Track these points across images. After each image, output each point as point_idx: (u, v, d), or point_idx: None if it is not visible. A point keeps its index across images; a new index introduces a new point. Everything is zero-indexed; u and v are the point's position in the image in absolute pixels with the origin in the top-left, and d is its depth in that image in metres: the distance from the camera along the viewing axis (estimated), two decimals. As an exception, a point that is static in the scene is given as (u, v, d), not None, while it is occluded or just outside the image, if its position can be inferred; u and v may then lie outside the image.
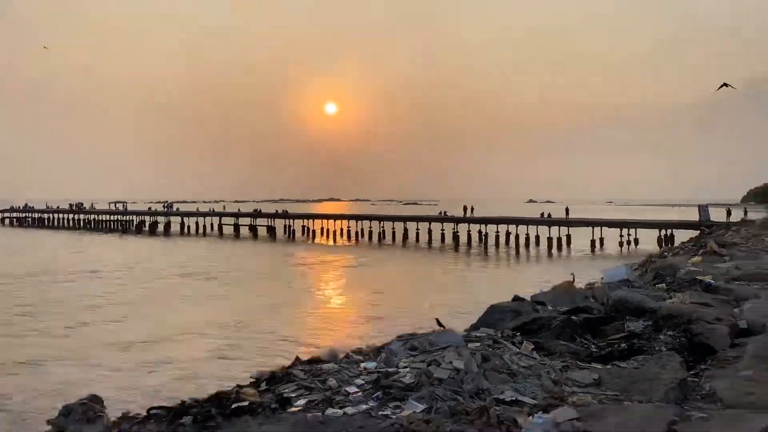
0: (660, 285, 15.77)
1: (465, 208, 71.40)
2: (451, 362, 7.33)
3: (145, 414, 7.26)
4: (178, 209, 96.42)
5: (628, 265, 23.08)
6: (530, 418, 6.30)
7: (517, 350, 8.66)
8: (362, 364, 8.28)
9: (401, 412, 6.51)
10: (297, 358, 9.13)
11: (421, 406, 6.59)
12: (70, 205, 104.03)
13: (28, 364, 17.29)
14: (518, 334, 10.05)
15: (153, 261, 47.89)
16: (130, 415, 7.62)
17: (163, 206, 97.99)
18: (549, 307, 13.68)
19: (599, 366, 8.62)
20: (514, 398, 6.93)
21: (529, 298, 14.60)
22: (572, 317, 11.13)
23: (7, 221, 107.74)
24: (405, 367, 7.68)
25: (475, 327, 11.45)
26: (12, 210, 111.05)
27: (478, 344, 8.62)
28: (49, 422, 8.70)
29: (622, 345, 9.83)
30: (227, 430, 6.40)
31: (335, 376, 7.77)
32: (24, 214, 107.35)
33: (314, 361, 8.82)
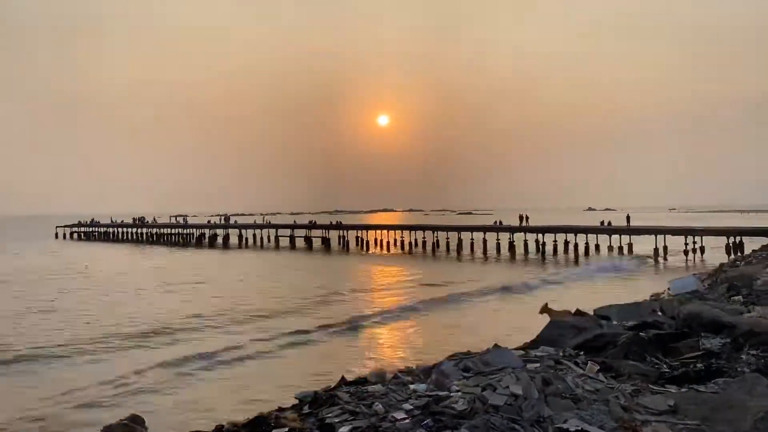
0: (736, 297, 14.60)
1: (521, 217, 69.83)
2: (508, 387, 6.70)
3: (184, 438, 6.94)
4: (236, 222, 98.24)
5: (696, 275, 21.73)
6: (599, 452, 5.63)
7: (582, 372, 7.93)
8: (411, 386, 7.74)
9: (453, 443, 5.95)
10: (342, 378, 8.68)
11: (474, 437, 6.00)
12: (134, 219, 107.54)
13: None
14: (581, 353, 9.28)
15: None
16: (170, 438, 7.34)
17: (220, 219, 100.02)
18: (614, 322, 12.80)
19: (674, 390, 7.79)
20: (579, 428, 6.24)
21: (592, 312, 13.76)
22: (640, 333, 10.27)
23: (75, 235, 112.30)
24: (457, 390, 7.10)
25: (534, 344, 10.72)
26: (80, 225, 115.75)
27: (537, 365, 7.94)
28: (91, 442, 8.51)
29: (698, 365, 8.94)
30: (265, 460, 5.99)
31: (382, 400, 7.25)
32: (90, 229, 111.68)
33: (360, 381, 8.34)
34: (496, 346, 9.80)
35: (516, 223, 69.73)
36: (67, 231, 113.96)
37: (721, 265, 26.17)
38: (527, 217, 69.40)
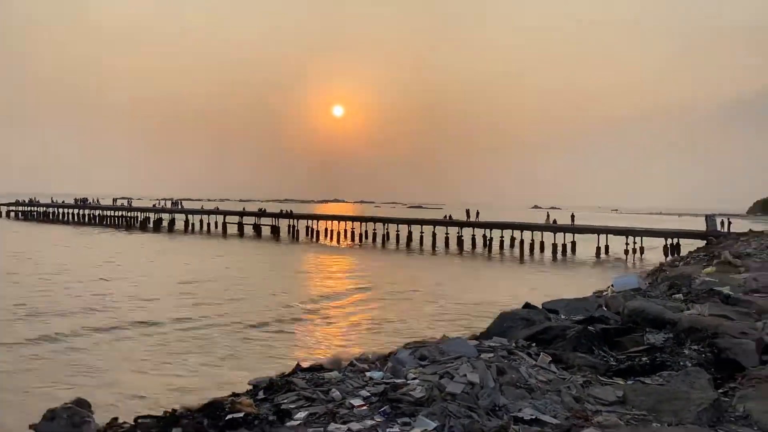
0: (676, 296, 15.18)
1: (468, 212, 70.82)
2: (465, 375, 6.78)
3: (132, 423, 6.73)
4: (182, 207, 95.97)
5: (638, 274, 22.53)
6: (552, 440, 5.76)
7: (534, 362, 8.10)
8: (368, 374, 7.73)
9: (411, 430, 5.97)
10: (298, 365, 8.60)
11: (433, 424, 6.03)
12: (75, 200, 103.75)
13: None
14: (533, 344, 9.48)
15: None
16: (118, 422, 7.09)
17: (171, 203, 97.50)
18: (562, 316, 13.12)
19: (622, 382, 8.05)
20: (533, 416, 6.37)
21: (540, 306, 14.06)
22: (589, 327, 10.57)
23: (12, 215, 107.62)
24: (414, 378, 7.13)
25: (486, 335, 10.89)
26: (17, 204, 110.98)
27: (491, 355, 8.05)
28: (31, 427, 8.18)
29: (644, 359, 9.26)
30: (220, 445, 5.87)
31: (339, 386, 7.21)
32: (29, 208, 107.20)
33: (316, 368, 8.28)
34: (444, 336, 9.94)
35: (464, 218, 70.66)
36: (3, 209, 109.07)
37: (661, 264, 27.22)
38: (477, 213, 70.40)
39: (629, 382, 8.04)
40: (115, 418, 7.49)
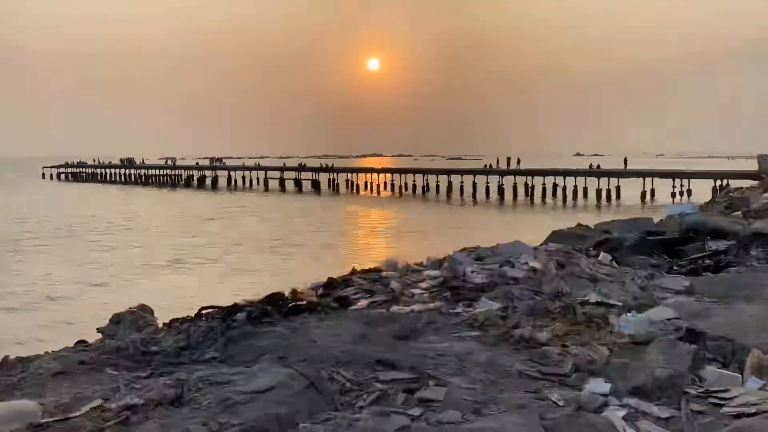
0: (735, 213, 14.68)
1: (508, 160, 69.49)
2: (526, 263, 6.66)
3: (195, 314, 6.86)
4: (223, 164, 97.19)
5: (690, 203, 21.90)
6: (623, 316, 5.61)
7: (595, 260, 7.92)
8: (425, 272, 7.69)
9: (474, 310, 5.91)
10: (353, 269, 8.61)
11: (496, 305, 5.96)
12: (121, 160, 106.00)
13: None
14: (592, 248, 9.29)
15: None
16: (180, 317, 7.24)
17: (211, 161, 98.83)
18: (615, 234, 12.83)
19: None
20: (600, 300, 6.23)
21: (592, 227, 13.76)
22: (647, 237, 10.30)
23: (62, 176, 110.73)
24: (473, 271, 7.05)
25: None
26: (67, 165, 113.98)
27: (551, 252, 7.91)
28: (99, 330, 8.43)
29: (707, 261, 8.99)
30: (284, 325, 5.91)
31: (398, 280, 7.20)
32: (78, 170, 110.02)
33: (373, 270, 8.28)
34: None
35: (504, 166, 69.51)
36: (54, 171, 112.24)
37: (713, 197, 26.34)
38: (519, 161, 69.11)
39: (697, 278, 7.79)
40: (175, 318, 7.67)
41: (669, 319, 5.48)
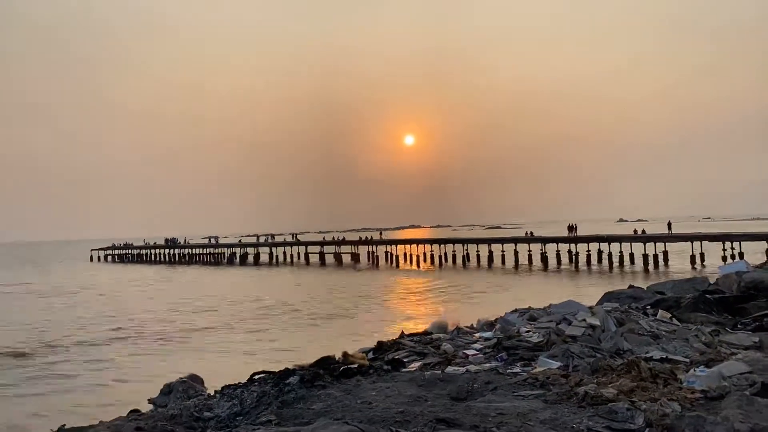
0: (796, 271, 14.09)
1: (570, 228, 68.74)
2: (584, 320, 6.45)
3: (247, 380, 6.80)
4: (267, 240, 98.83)
5: (745, 261, 21.15)
6: (691, 371, 5.33)
7: (654, 318, 7.63)
8: (477, 334, 7.51)
9: (533, 370, 5.70)
10: (402, 332, 8.49)
11: (556, 363, 5.74)
12: (165, 240, 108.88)
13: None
14: (648, 306, 8.97)
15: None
16: (232, 384, 7.19)
17: (257, 239, 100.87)
18: (670, 294, 12.41)
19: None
20: (664, 356, 5.95)
21: (644, 288, 13.37)
22: (706, 294, 9.91)
23: (110, 258, 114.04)
24: (528, 331, 6.86)
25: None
26: (114, 248, 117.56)
27: (607, 310, 7.66)
28: (150, 401, 8.43)
29: (773, 319, 8.55)
30: (338, 387, 5.80)
31: (450, 342, 7.05)
32: (124, 251, 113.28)
33: (422, 333, 8.14)
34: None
35: (545, 233, 68.73)
36: (102, 254, 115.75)
37: (769, 258, 25.37)
38: (575, 227, 68.50)
39: (763, 333, 7.41)
40: (227, 385, 7.63)
41: (742, 374, 5.19)
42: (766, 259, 45.83)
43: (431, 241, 78.22)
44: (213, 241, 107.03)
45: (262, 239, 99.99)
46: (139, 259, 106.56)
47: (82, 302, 41.32)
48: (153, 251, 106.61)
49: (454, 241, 73.38)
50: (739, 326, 8.67)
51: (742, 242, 55.09)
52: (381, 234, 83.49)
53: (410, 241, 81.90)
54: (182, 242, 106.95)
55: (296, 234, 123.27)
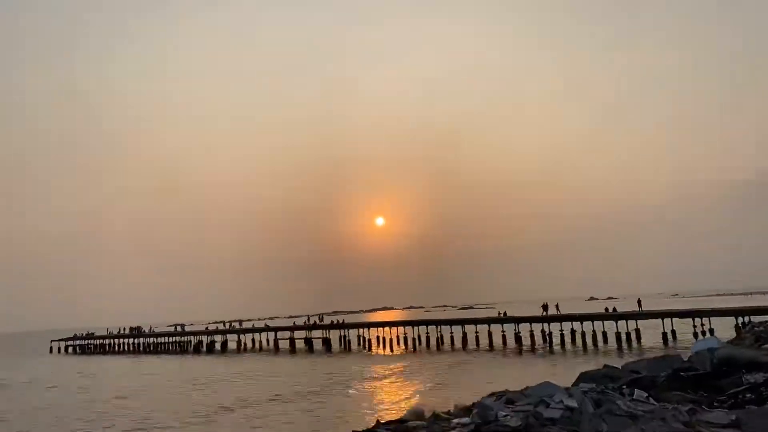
0: (765, 345, 14.20)
1: (545, 306, 69.10)
2: (561, 401, 6.33)
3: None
4: (234, 327, 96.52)
5: (716, 338, 21.38)
6: (672, 453, 5.23)
7: (631, 398, 7.54)
8: (454, 420, 7.30)
9: (512, 457, 5.53)
10: (378, 421, 8.18)
11: (535, 448, 5.59)
12: (130, 329, 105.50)
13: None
14: (624, 386, 8.88)
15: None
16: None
17: (223, 325, 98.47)
18: (645, 373, 12.35)
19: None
20: (643, 438, 5.84)
21: (619, 367, 13.29)
22: (680, 373, 9.89)
23: (70, 349, 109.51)
24: (506, 415, 6.70)
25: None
26: (75, 338, 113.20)
27: (584, 391, 7.55)
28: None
29: (747, 395, 8.53)
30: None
31: (426, 430, 6.82)
32: (86, 342, 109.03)
33: (397, 422, 7.86)
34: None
35: (517, 314, 68.77)
36: (62, 345, 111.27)
37: (739, 332, 25.68)
38: (557, 306, 69.17)
39: (743, 410, 7.36)
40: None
41: (723, 455, 5.10)
42: (735, 335, 46.38)
43: (404, 324, 77.34)
44: (179, 329, 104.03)
45: (228, 326, 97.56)
46: (102, 350, 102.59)
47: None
48: (116, 341, 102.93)
49: (427, 323, 72.70)
50: (715, 404, 8.62)
51: (711, 318, 55.84)
52: (343, 321, 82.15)
53: (383, 324, 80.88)
54: (147, 331, 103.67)
55: (263, 320, 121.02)
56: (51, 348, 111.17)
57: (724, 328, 53.00)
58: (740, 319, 52.83)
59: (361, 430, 7.48)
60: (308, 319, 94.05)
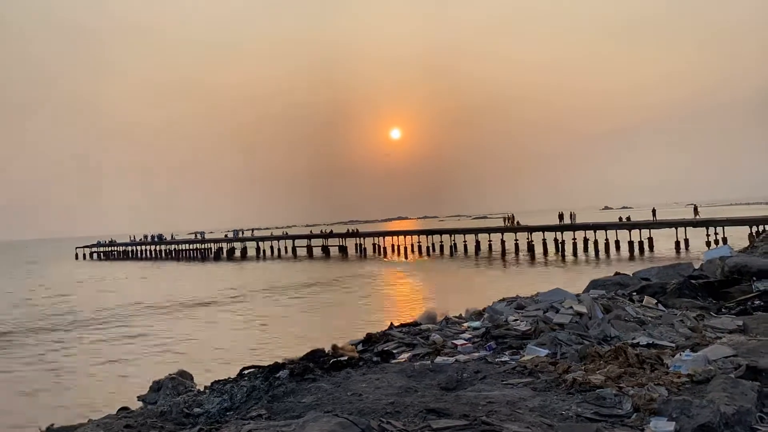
0: (779, 255, 14.28)
1: (560, 216, 69.00)
2: (571, 307, 6.50)
3: (237, 375, 6.79)
4: (253, 234, 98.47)
5: (728, 246, 21.41)
6: (677, 356, 5.40)
7: (640, 304, 7.71)
8: (465, 324, 7.55)
9: (521, 358, 5.74)
10: (391, 324, 8.51)
11: (544, 351, 5.79)
12: (152, 237, 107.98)
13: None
14: (634, 293, 9.06)
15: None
16: (222, 379, 7.17)
17: (233, 233, 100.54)
18: (656, 280, 12.53)
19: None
20: (650, 342, 6.02)
21: (630, 275, 13.48)
22: (691, 280, 10.03)
23: (95, 255, 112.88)
24: (515, 319, 6.91)
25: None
26: (98, 245, 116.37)
27: (594, 297, 7.73)
28: (140, 398, 8.39)
29: (756, 302, 8.68)
30: (327, 380, 5.81)
31: (439, 333, 7.08)
32: (109, 248, 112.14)
33: (411, 324, 8.17)
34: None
35: (531, 223, 69.02)
36: (87, 251, 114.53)
37: (752, 240, 25.70)
38: (573, 215, 68.75)
39: (750, 316, 7.52)
40: (217, 380, 7.60)
41: (727, 357, 5.26)
42: (749, 243, 46.45)
43: (419, 232, 78.29)
44: (200, 236, 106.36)
45: (241, 234, 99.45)
46: (125, 256, 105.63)
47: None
48: (138, 248, 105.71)
49: (441, 232, 73.52)
50: (723, 310, 8.79)
51: (725, 227, 55.77)
52: (357, 230, 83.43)
53: (398, 233, 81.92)
54: (168, 238, 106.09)
55: (282, 228, 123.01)
56: (76, 254, 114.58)
57: (739, 237, 53.13)
58: (755, 228, 52.76)
59: (376, 332, 7.77)
60: (324, 230, 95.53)
